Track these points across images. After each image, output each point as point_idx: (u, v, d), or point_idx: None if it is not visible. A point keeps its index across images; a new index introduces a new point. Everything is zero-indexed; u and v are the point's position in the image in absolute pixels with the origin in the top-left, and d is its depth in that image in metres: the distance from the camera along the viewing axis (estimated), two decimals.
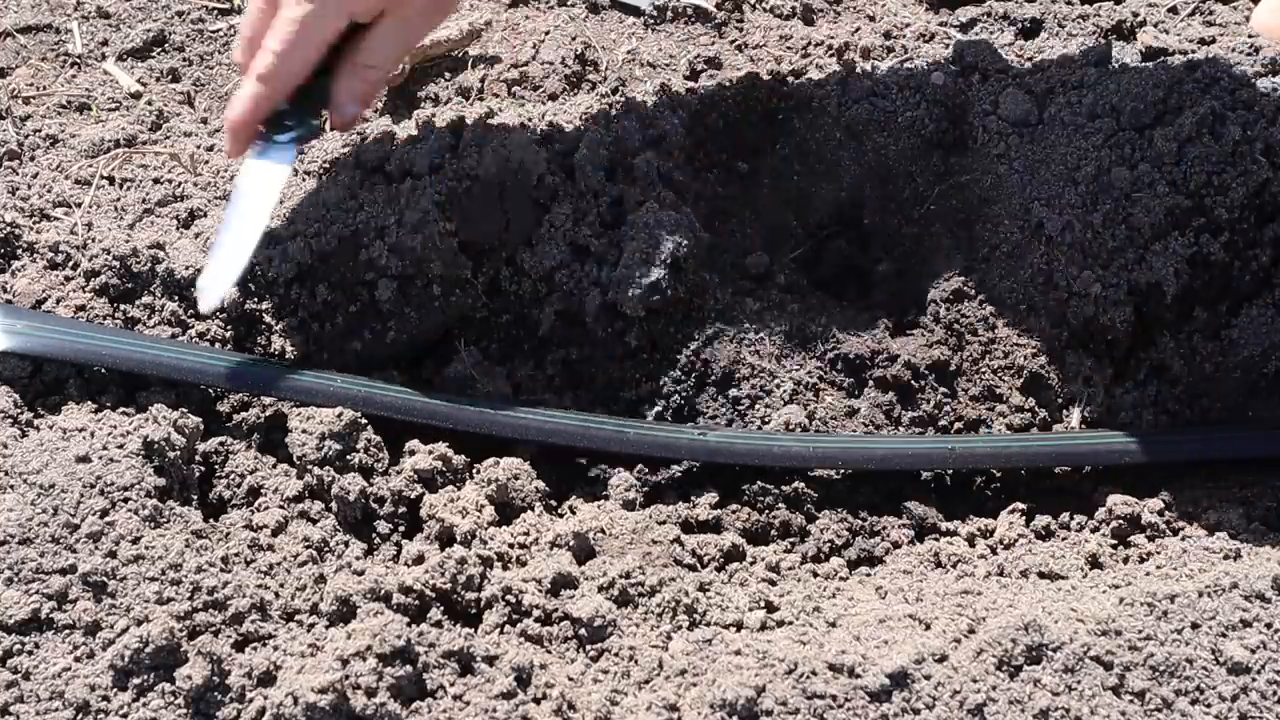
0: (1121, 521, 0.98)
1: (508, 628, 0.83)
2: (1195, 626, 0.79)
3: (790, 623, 0.85)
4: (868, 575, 0.95)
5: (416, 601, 0.83)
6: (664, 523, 0.96)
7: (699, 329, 1.06)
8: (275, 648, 0.80)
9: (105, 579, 0.80)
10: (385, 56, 1.03)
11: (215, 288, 0.98)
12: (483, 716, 0.76)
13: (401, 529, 0.94)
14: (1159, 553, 0.92)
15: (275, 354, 1.04)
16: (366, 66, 1.01)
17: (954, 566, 0.94)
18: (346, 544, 0.92)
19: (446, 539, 0.91)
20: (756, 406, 1.04)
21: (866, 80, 1.17)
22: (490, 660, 0.79)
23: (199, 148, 1.21)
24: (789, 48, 1.28)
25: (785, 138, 1.18)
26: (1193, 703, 0.75)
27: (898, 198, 1.15)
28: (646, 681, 0.80)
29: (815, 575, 0.95)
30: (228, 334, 1.04)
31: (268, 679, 0.77)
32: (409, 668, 0.76)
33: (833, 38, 1.28)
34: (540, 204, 1.07)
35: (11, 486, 0.85)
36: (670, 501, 0.99)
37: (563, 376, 1.06)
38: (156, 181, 1.16)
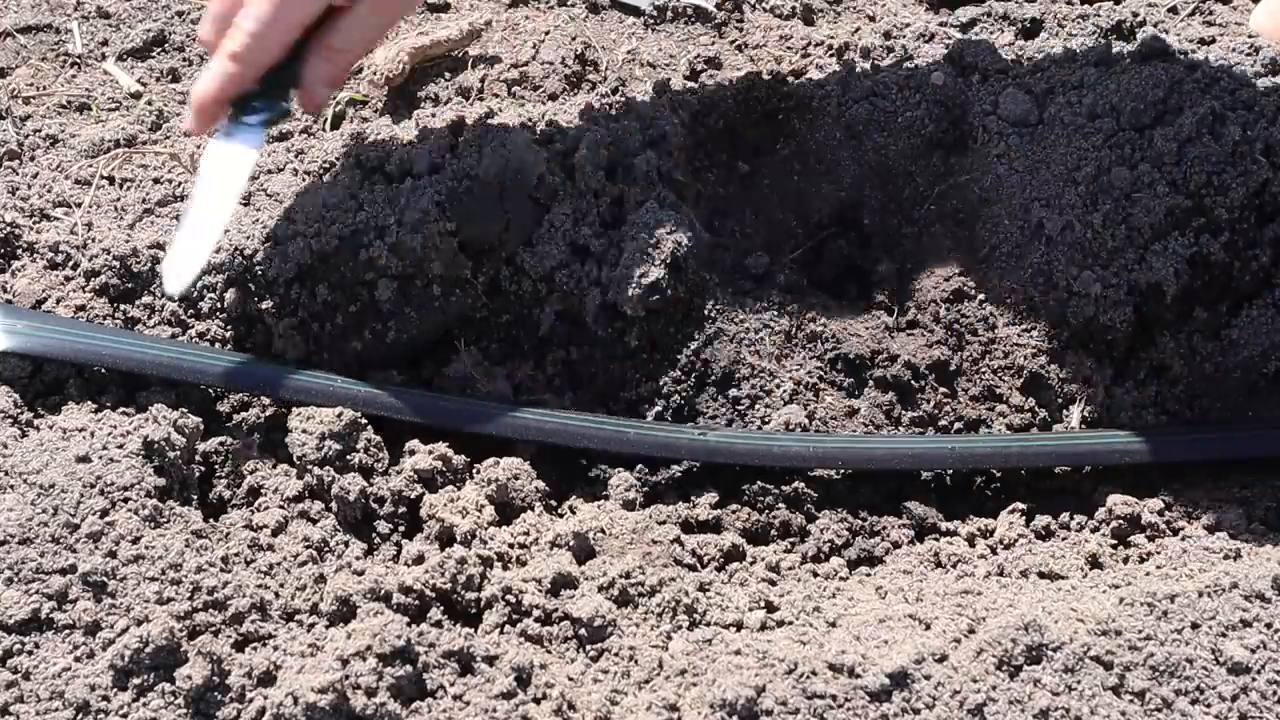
0: (1121, 521, 0.98)
1: (508, 628, 0.83)
2: (1195, 626, 0.79)
3: (790, 623, 0.85)
4: (868, 575, 0.95)
5: (416, 601, 0.83)
6: (664, 523, 0.96)
7: (699, 329, 1.06)
8: (275, 648, 0.80)
9: (105, 579, 0.80)
10: (359, 40, 1.02)
11: (182, 271, 0.96)
12: (483, 716, 0.76)
13: (401, 529, 0.94)
14: (1159, 553, 0.92)
15: (276, 354, 1.04)
16: (339, 50, 1.00)
17: (954, 566, 0.94)
18: (346, 544, 0.92)
19: (446, 539, 0.91)
20: (756, 406, 1.04)
21: (866, 80, 1.17)
22: (490, 660, 0.79)
23: (199, 148, 1.21)
24: (789, 48, 1.29)
25: (785, 138, 1.18)
26: (1193, 703, 0.75)
27: (898, 198, 1.15)
28: (646, 681, 0.80)
29: (815, 575, 0.95)
30: (228, 334, 1.04)
31: (268, 679, 0.77)
32: (409, 668, 0.76)
33: (833, 38, 1.28)
34: (540, 204, 1.07)
35: (11, 486, 0.85)
36: (670, 501, 0.99)
37: (563, 376, 1.06)
38: (156, 181, 1.16)
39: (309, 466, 0.94)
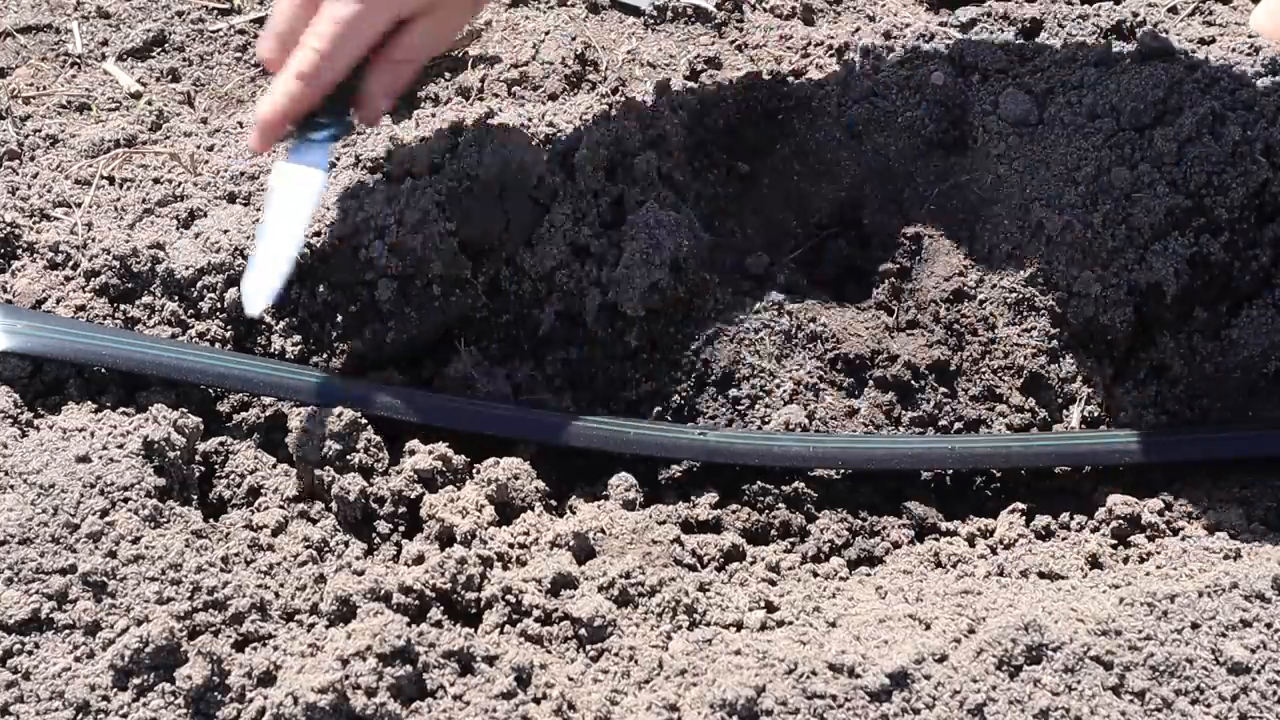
0: (1121, 521, 0.98)
1: (508, 628, 0.83)
2: (1195, 626, 0.79)
3: (790, 623, 0.85)
4: (868, 575, 0.95)
5: (416, 601, 0.83)
6: (664, 523, 0.96)
7: (699, 329, 1.06)
8: (275, 648, 0.80)
9: (105, 579, 0.80)
10: (422, 51, 1.01)
11: (260, 292, 0.95)
12: (483, 716, 0.76)
13: (401, 529, 0.94)
14: (1159, 553, 0.92)
15: (275, 354, 1.03)
16: (401, 61, 0.99)
17: (954, 566, 0.94)
18: (346, 544, 0.92)
19: (446, 539, 0.91)
20: (756, 406, 1.04)
21: (866, 80, 1.17)
22: (490, 660, 0.79)
23: (199, 148, 1.21)
24: (789, 48, 1.28)
25: (785, 138, 1.18)
26: (1193, 703, 0.75)
27: (898, 198, 1.15)
28: (646, 681, 0.80)
29: (815, 575, 0.95)
30: (228, 334, 1.04)
31: (268, 679, 0.77)
32: (409, 668, 0.76)
33: (833, 38, 1.27)
34: (540, 204, 1.07)
35: (11, 486, 0.85)
36: (670, 501, 0.99)
37: (563, 376, 1.06)
38: (156, 181, 1.16)
39: (309, 466, 0.94)
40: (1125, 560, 0.93)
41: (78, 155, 1.19)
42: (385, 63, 0.99)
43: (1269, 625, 0.78)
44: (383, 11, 0.96)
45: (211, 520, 0.91)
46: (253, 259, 0.98)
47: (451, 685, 0.77)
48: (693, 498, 1.00)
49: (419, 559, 0.87)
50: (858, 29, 1.27)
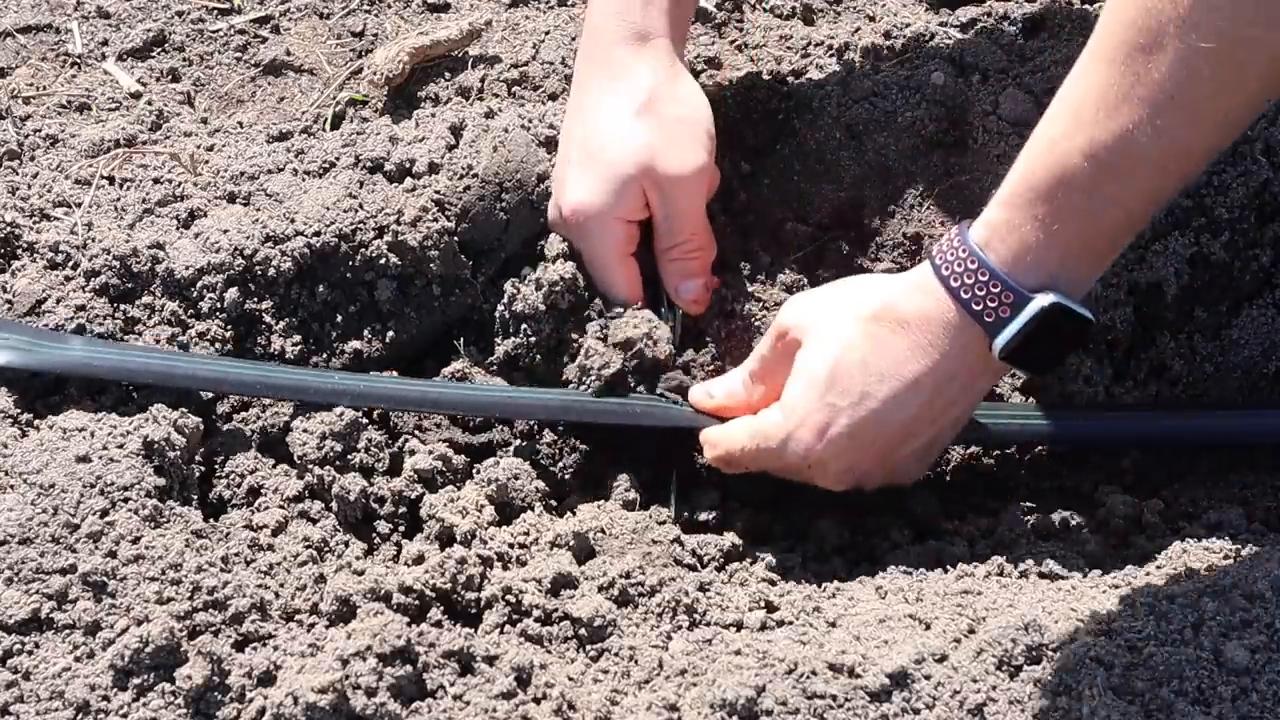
0: (1121, 521, 0.98)
1: (508, 628, 0.83)
2: (1195, 627, 0.79)
3: (790, 623, 0.85)
4: (868, 575, 0.95)
5: (416, 601, 0.83)
6: (664, 523, 0.96)
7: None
8: (275, 648, 0.80)
9: (105, 579, 0.80)
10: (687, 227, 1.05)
11: None
12: (483, 716, 0.76)
13: (401, 529, 0.94)
14: (1159, 553, 0.92)
15: (275, 354, 1.03)
16: (673, 247, 1.04)
17: (954, 566, 0.94)
18: (346, 544, 0.92)
19: (446, 539, 0.90)
20: None
21: (866, 80, 1.17)
22: (490, 660, 0.79)
23: (199, 148, 1.21)
24: (789, 48, 1.28)
25: (785, 138, 1.18)
26: (1193, 703, 0.75)
27: (898, 198, 1.15)
28: (646, 681, 0.80)
29: (815, 575, 0.95)
30: (227, 334, 1.04)
31: (268, 679, 0.77)
32: (409, 668, 0.76)
33: (833, 38, 1.27)
34: (540, 204, 1.07)
35: (11, 486, 0.85)
36: (670, 501, 0.99)
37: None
38: (156, 181, 1.16)
39: (309, 466, 0.94)
40: (1125, 560, 0.93)
41: (78, 155, 1.18)
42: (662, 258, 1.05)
43: (1269, 626, 0.78)
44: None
45: (211, 520, 0.91)
46: None
47: (451, 685, 0.77)
48: (693, 498, 1.00)
49: (419, 559, 0.87)
50: (858, 29, 1.27)
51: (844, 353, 0.89)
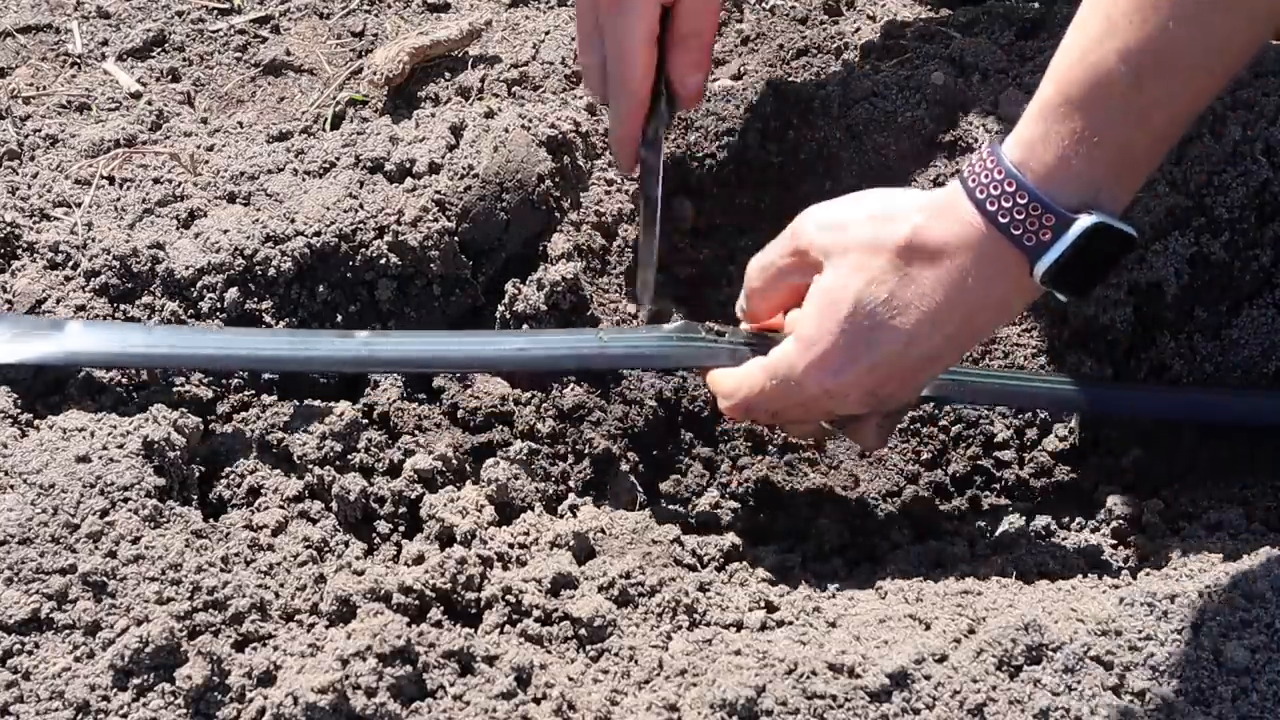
0: (1121, 521, 0.98)
1: (508, 628, 0.83)
2: (1195, 627, 0.79)
3: (790, 623, 0.85)
4: (868, 576, 0.95)
5: (416, 601, 0.83)
6: (664, 523, 0.96)
7: None
8: (275, 648, 0.80)
9: (105, 579, 0.80)
10: (703, 19, 1.02)
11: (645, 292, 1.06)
12: (483, 716, 0.76)
13: (401, 529, 0.94)
14: (1159, 553, 0.92)
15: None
16: (689, 35, 1.01)
17: (954, 566, 0.94)
18: (346, 544, 0.92)
19: (446, 539, 0.90)
20: None
21: (866, 80, 1.17)
22: (490, 660, 0.79)
23: (199, 148, 1.21)
24: (790, 47, 1.28)
25: (786, 137, 1.18)
26: (1193, 703, 0.75)
27: None
28: (646, 681, 0.80)
29: (815, 575, 0.95)
30: None
31: (268, 679, 0.77)
32: (409, 668, 0.76)
33: (833, 38, 1.28)
34: (540, 204, 1.07)
35: (11, 486, 0.85)
36: (670, 501, 0.99)
37: None
38: (156, 181, 1.16)
39: (309, 466, 0.94)
40: (1125, 560, 0.93)
41: (78, 155, 1.18)
42: (680, 41, 1.01)
43: (1269, 626, 0.78)
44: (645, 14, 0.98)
45: (211, 520, 0.91)
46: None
47: (451, 685, 0.77)
48: (693, 498, 1.00)
49: (419, 559, 0.87)
50: (858, 29, 1.27)
51: (868, 287, 0.84)
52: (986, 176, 0.80)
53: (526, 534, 0.91)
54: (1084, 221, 0.78)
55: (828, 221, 0.88)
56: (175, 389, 0.98)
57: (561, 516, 0.96)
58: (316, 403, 0.98)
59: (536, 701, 0.77)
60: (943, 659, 0.78)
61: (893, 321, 0.84)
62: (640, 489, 1.00)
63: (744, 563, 0.95)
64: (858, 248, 0.85)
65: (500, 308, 1.06)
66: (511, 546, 0.90)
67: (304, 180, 1.11)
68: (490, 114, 1.13)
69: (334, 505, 0.94)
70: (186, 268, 1.04)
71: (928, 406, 1.06)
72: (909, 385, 0.89)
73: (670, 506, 0.98)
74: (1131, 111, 0.76)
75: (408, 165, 1.08)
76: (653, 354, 0.96)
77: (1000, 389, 1.00)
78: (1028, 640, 0.78)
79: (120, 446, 0.89)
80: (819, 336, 0.86)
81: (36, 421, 0.93)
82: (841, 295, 0.85)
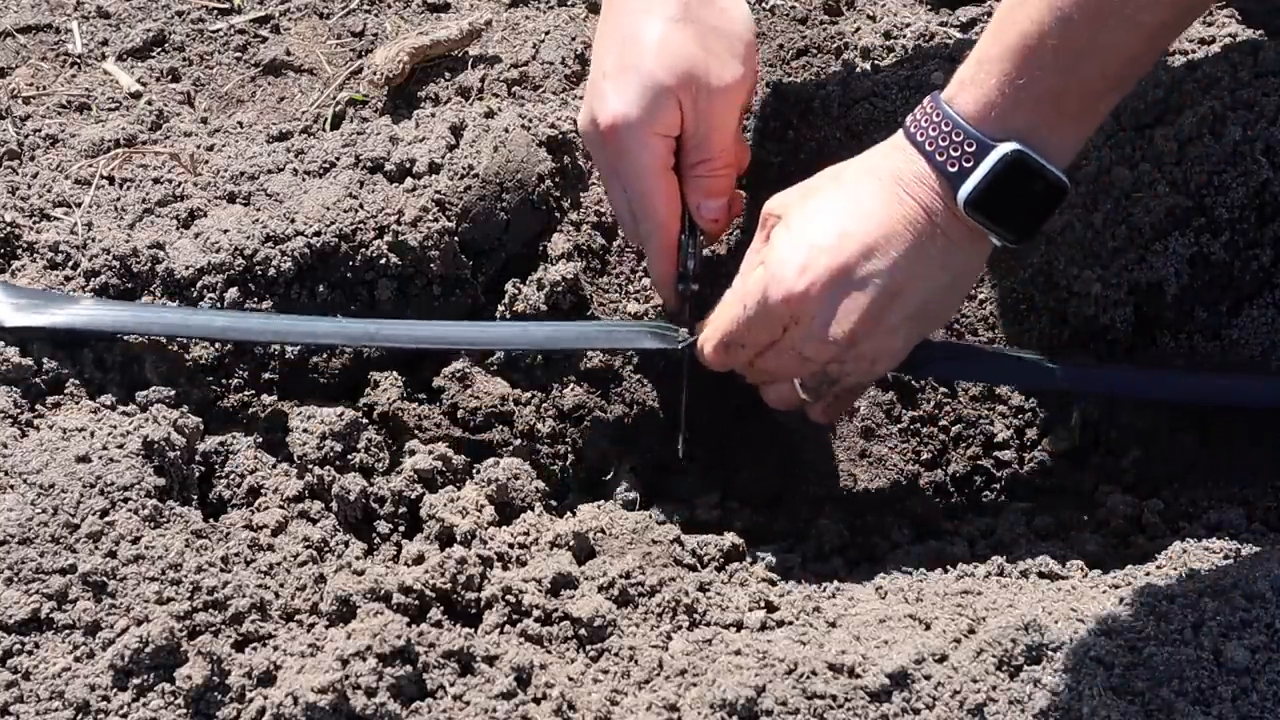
0: (1121, 521, 0.98)
1: (508, 628, 0.83)
2: (1195, 627, 0.79)
3: (790, 623, 0.85)
4: (868, 575, 0.95)
5: (416, 601, 0.83)
6: (664, 523, 0.96)
7: None
8: (275, 648, 0.80)
9: (105, 579, 0.80)
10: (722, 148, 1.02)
11: None
12: (483, 716, 0.76)
13: (401, 529, 0.94)
14: (1159, 553, 0.92)
15: (275, 353, 1.03)
16: (699, 163, 1.01)
17: (954, 566, 0.94)
18: (346, 544, 0.92)
19: (446, 539, 0.90)
20: None
21: (866, 80, 1.17)
22: (490, 660, 0.79)
23: (199, 148, 1.21)
24: (790, 47, 1.28)
25: (785, 138, 1.18)
26: (1193, 703, 0.75)
27: None
28: (646, 681, 0.80)
29: (815, 575, 0.95)
30: None
31: (268, 679, 0.77)
32: (409, 668, 0.76)
33: (833, 38, 1.27)
34: (540, 204, 1.07)
35: (11, 486, 0.85)
36: (670, 501, 0.99)
37: None
38: (156, 181, 1.16)
39: (309, 466, 0.94)
40: (1125, 560, 0.93)
41: (78, 155, 1.18)
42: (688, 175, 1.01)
43: (1269, 626, 0.78)
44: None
45: (211, 520, 0.91)
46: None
47: (451, 685, 0.77)
48: (693, 498, 1.00)
49: (419, 559, 0.87)
50: (858, 29, 1.27)
51: (818, 201, 0.89)
52: (923, 116, 0.87)
53: (526, 534, 0.91)
54: (1003, 148, 0.82)
55: (785, 191, 0.94)
56: (176, 389, 0.98)
57: (561, 516, 0.96)
58: (316, 403, 0.98)
59: (536, 701, 0.77)
60: (943, 659, 0.78)
61: (847, 226, 0.87)
62: (640, 489, 1.00)
63: (744, 563, 0.95)
64: (814, 188, 0.91)
65: (500, 308, 1.06)
66: (511, 546, 0.90)
67: (304, 180, 1.11)
68: (490, 114, 1.13)
69: (334, 505, 0.94)
70: (186, 268, 1.04)
71: (928, 406, 1.06)
72: (879, 326, 0.89)
73: (670, 506, 0.98)
74: (1062, 59, 0.80)
75: (408, 165, 1.08)
76: (576, 337, 1.00)
77: (990, 365, 1.01)
78: (1028, 640, 0.78)
79: (120, 446, 0.89)
80: (779, 252, 0.90)
81: (36, 421, 0.93)
82: (796, 216, 0.90)
